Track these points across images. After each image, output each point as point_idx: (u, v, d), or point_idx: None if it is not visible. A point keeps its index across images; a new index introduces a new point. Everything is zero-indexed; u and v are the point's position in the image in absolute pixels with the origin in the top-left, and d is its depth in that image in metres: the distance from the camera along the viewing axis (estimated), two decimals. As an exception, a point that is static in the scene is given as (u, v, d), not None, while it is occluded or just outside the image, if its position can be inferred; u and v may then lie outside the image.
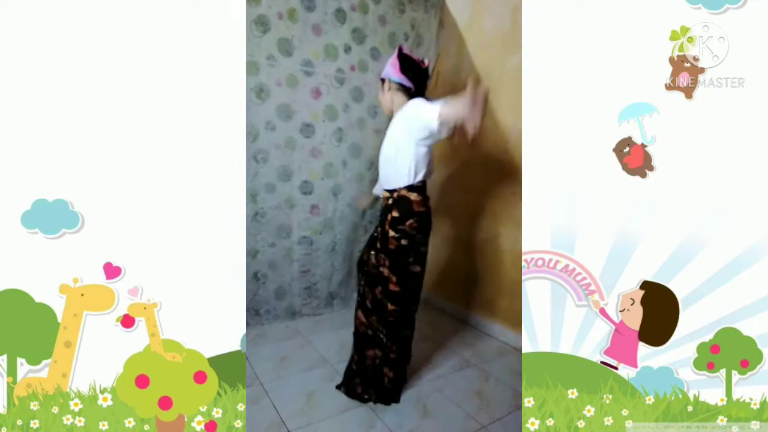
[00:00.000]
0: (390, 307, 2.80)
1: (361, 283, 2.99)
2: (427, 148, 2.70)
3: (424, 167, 2.73)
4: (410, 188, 2.71)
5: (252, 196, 3.87)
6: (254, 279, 4.07)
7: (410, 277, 2.80)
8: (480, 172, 4.19)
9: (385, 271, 2.76)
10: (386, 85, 2.84)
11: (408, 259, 2.74)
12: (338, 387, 3.08)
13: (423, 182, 2.77)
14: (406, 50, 2.83)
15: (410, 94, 2.80)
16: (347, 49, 4.06)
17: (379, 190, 3.24)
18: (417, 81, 2.80)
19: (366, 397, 2.95)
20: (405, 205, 2.70)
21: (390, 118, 3.00)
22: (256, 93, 3.68)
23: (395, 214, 2.70)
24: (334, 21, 3.93)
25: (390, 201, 2.76)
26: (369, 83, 4.19)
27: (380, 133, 4.25)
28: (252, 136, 3.76)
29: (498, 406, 2.96)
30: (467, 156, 4.33)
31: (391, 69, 2.79)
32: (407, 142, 2.64)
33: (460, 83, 4.27)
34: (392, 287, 2.75)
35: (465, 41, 4.33)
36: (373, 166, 4.30)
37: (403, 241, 2.69)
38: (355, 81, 4.16)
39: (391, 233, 2.70)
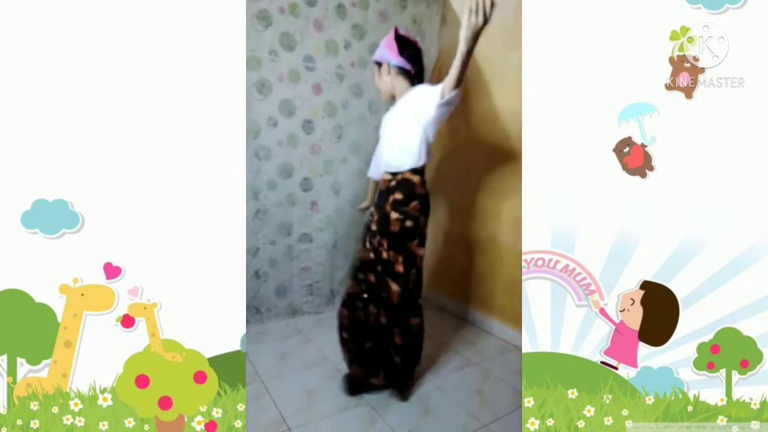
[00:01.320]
0: (394, 288, 2.79)
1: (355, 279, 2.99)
2: (434, 132, 2.72)
3: (428, 151, 2.75)
4: (414, 171, 2.73)
5: (254, 194, 3.87)
6: (255, 277, 4.07)
7: (416, 258, 2.80)
8: (480, 168, 4.20)
9: (386, 254, 2.76)
10: (384, 68, 2.82)
11: (413, 240, 2.75)
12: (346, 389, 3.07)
13: (424, 166, 2.78)
14: (401, 31, 2.81)
15: (410, 77, 2.80)
16: (347, 45, 4.07)
17: (374, 172, 3.28)
18: (415, 61, 2.81)
19: (375, 381, 2.97)
20: (408, 188, 2.72)
21: (386, 104, 3.01)
22: (258, 88, 3.69)
23: (398, 196, 2.71)
24: (335, 16, 3.94)
25: (393, 183, 2.77)
26: (369, 80, 4.18)
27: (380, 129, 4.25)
28: (254, 132, 3.76)
29: (499, 405, 2.96)
30: (467, 152, 4.34)
31: (388, 52, 2.77)
32: (414, 127, 2.65)
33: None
34: (398, 267, 2.75)
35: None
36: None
37: (408, 223, 2.70)
38: (355, 77, 4.17)
39: (394, 215, 2.71)
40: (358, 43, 4.13)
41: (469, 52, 2.25)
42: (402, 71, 2.79)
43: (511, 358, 3.70)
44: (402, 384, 2.99)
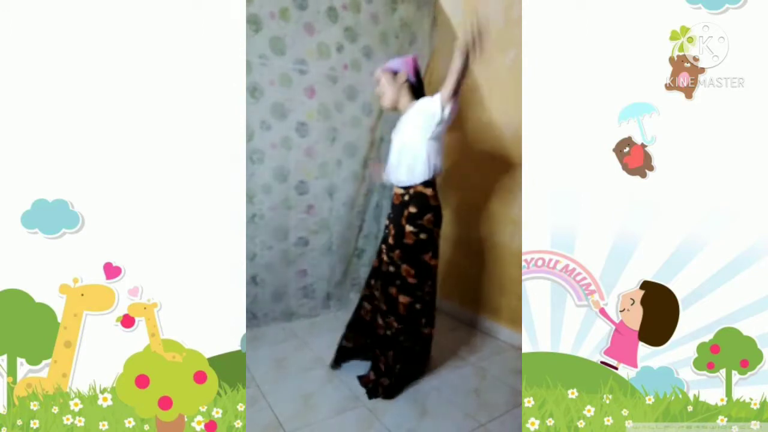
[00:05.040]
0: (402, 300, 2.86)
1: (373, 287, 3.04)
2: (439, 143, 2.78)
3: (437, 162, 2.80)
4: (425, 184, 2.79)
5: (249, 198, 3.86)
6: (252, 283, 4.05)
7: (431, 269, 2.90)
8: (476, 170, 4.21)
9: (403, 267, 2.82)
10: (399, 77, 2.87)
11: (427, 252, 2.84)
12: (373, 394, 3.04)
13: (435, 177, 2.83)
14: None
15: (414, 91, 2.89)
16: (340, 48, 4.08)
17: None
18: (419, 79, 2.90)
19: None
20: (422, 201, 2.78)
21: (382, 111, 3.08)
22: (250, 92, 3.70)
23: (413, 209, 2.76)
24: (326, 20, 3.96)
25: (406, 197, 2.82)
26: (362, 82, 4.20)
27: (374, 131, 4.28)
28: (247, 135, 3.74)
29: (496, 405, 2.96)
30: (464, 154, 4.34)
31: (405, 66, 2.87)
32: (420, 140, 2.72)
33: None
34: (410, 280, 2.83)
35: (459, 38, 4.30)
36: (369, 164, 4.32)
37: (422, 236, 2.78)
38: (349, 79, 4.18)
39: (409, 228, 2.77)
40: (351, 45, 4.14)
41: (464, 67, 2.40)
42: (411, 87, 2.89)
43: (507, 357, 3.70)
44: (393, 384, 3.00)
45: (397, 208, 2.86)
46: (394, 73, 2.91)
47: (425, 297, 2.94)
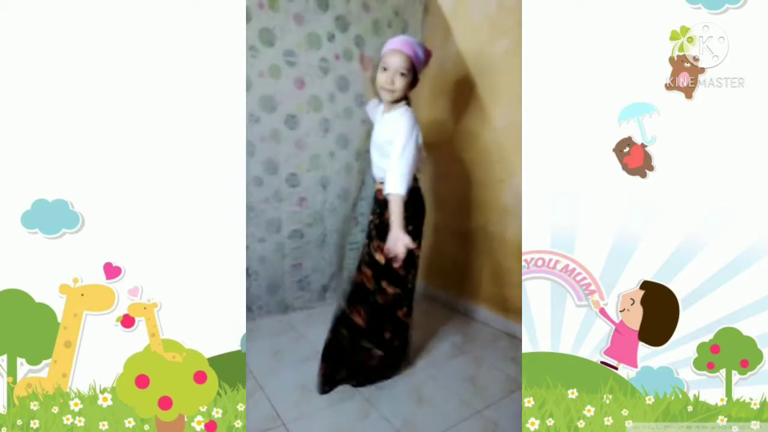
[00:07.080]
0: (390, 290, 2.87)
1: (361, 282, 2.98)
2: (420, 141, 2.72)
3: (419, 157, 2.76)
4: (414, 179, 2.75)
5: (242, 192, 3.81)
6: (246, 275, 4.01)
7: (416, 259, 2.92)
8: (467, 160, 4.23)
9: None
10: (408, 76, 2.70)
11: (416, 241, 2.82)
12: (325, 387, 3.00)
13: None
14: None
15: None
16: (331, 38, 4.00)
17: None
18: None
19: (342, 377, 3.00)
20: (415, 193, 2.77)
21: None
22: (241, 85, 3.63)
23: (407, 201, 2.69)
24: (316, 9, 3.87)
25: None
26: (354, 72, 4.15)
27: (367, 122, 4.18)
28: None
29: (492, 392, 3.00)
30: (454, 145, 4.36)
31: (418, 59, 2.73)
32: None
33: (446, 70, 4.32)
34: (399, 270, 2.82)
35: (451, 27, 4.34)
36: (361, 156, 4.30)
37: (410, 227, 2.74)
38: (340, 70, 4.11)
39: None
40: (342, 35, 4.06)
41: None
42: (413, 84, 2.77)
43: (502, 345, 3.74)
44: (379, 375, 3.05)
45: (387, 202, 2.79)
46: (413, 69, 2.73)
47: (409, 286, 2.98)
